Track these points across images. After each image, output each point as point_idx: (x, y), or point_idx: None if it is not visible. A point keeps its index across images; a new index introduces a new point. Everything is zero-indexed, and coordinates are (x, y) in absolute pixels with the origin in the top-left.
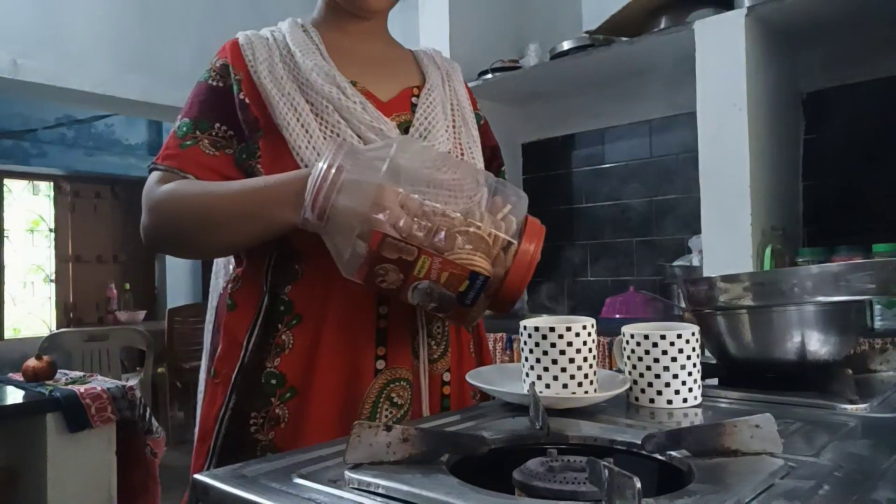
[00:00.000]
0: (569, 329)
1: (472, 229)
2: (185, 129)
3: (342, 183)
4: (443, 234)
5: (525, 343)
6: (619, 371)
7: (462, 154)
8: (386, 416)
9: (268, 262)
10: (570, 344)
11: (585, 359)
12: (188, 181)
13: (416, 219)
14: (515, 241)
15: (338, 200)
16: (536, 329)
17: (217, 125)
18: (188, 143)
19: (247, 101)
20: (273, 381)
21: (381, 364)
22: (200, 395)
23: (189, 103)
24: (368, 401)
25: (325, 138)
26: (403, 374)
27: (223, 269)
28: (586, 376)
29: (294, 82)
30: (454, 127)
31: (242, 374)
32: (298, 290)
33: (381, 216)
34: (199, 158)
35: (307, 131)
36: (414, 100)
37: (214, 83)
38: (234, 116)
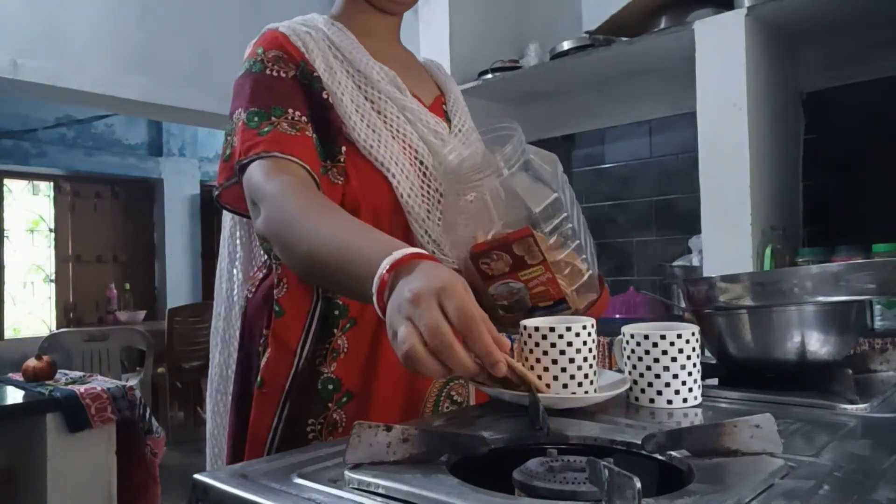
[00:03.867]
0: (569, 329)
1: (578, 265)
2: (256, 118)
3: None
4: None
5: (525, 343)
6: (619, 371)
7: None
8: (448, 406)
9: None
10: (570, 344)
11: (585, 359)
12: (295, 187)
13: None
14: (594, 295)
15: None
16: (536, 329)
17: (291, 111)
18: (266, 129)
19: (330, 100)
20: (330, 387)
21: None
22: (215, 403)
23: (249, 94)
24: (430, 400)
25: (392, 137)
26: None
27: (234, 275)
28: (586, 376)
29: (351, 80)
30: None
31: (296, 381)
32: None
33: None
34: (282, 138)
35: (374, 131)
36: (444, 107)
37: (275, 73)
38: (303, 106)
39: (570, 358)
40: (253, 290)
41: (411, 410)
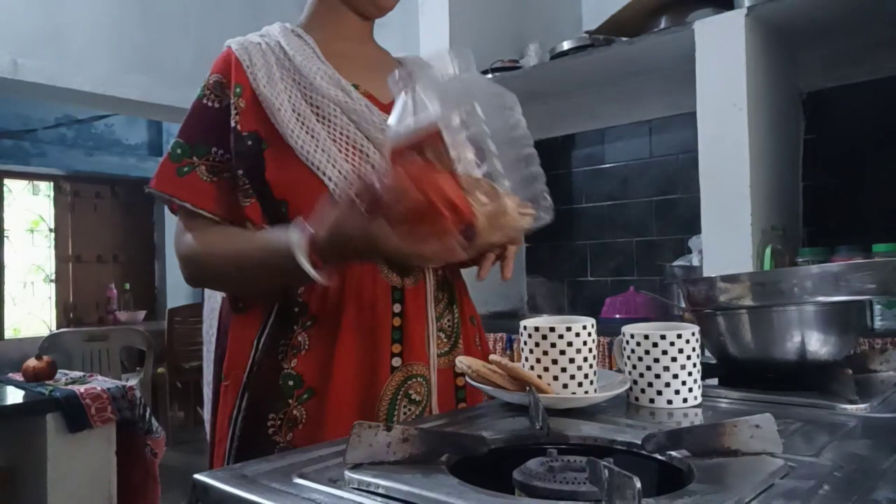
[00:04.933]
0: (569, 329)
1: (497, 189)
2: (180, 151)
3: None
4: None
5: (525, 343)
6: (619, 371)
7: None
8: (405, 414)
9: None
10: (570, 344)
11: (585, 359)
12: (208, 235)
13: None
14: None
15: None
16: (536, 329)
17: (214, 149)
18: (185, 169)
19: (239, 127)
20: (290, 383)
21: (396, 361)
22: (208, 403)
23: (186, 122)
24: (385, 398)
25: (333, 141)
26: (420, 370)
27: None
28: (586, 376)
29: (296, 87)
30: None
31: (255, 374)
32: (313, 290)
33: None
34: (197, 185)
35: (313, 136)
36: None
37: (210, 103)
38: (227, 141)
39: (571, 358)
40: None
41: (367, 409)
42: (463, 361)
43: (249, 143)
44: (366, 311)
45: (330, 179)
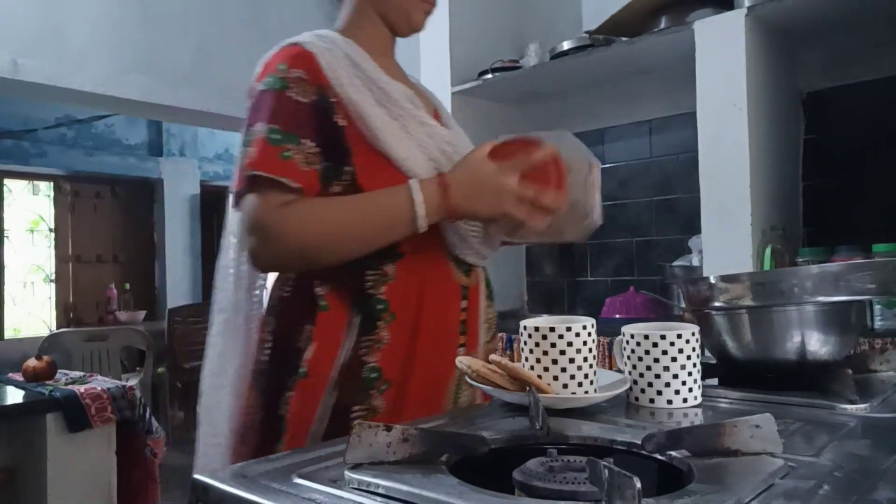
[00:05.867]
0: (569, 329)
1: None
2: (278, 137)
3: None
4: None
5: (525, 343)
6: (619, 371)
7: None
8: (463, 399)
9: (363, 264)
10: (570, 344)
11: (585, 359)
12: (306, 205)
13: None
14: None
15: None
16: (536, 329)
17: (305, 142)
18: (287, 154)
19: (342, 124)
20: (373, 375)
21: (461, 352)
22: (235, 398)
23: (273, 111)
24: (452, 386)
25: (420, 152)
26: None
27: (253, 276)
28: (586, 376)
29: (372, 97)
30: None
31: (344, 369)
32: (393, 289)
33: None
34: (298, 171)
35: (402, 145)
36: (440, 121)
37: (296, 97)
38: (320, 135)
39: (571, 358)
40: (288, 289)
41: (436, 397)
42: (463, 361)
43: (345, 144)
44: (440, 308)
45: (416, 176)
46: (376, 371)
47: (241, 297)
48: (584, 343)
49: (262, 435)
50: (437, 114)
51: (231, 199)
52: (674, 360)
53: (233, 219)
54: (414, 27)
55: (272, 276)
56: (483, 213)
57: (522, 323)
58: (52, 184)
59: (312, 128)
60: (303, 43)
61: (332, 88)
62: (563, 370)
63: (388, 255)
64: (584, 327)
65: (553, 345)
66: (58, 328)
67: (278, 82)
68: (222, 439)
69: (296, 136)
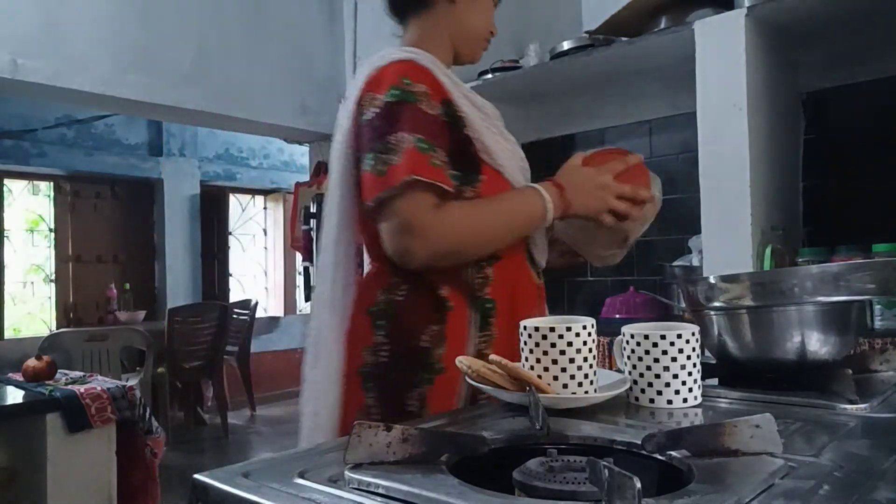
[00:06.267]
0: (569, 329)
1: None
2: (425, 146)
3: None
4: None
5: (525, 343)
6: (619, 371)
7: None
8: None
9: (471, 268)
10: (570, 344)
11: (585, 359)
12: (456, 207)
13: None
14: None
15: None
16: (536, 329)
17: (440, 152)
18: (437, 162)
19: (472, 135)
20: None
21: None
22: (334, 396)
23: (412, 122)
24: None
25: (514, 165)
26: None
27: (349, 278)
28: (586, 376)
29: (479, 114)
30: None
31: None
32: (494, 289)
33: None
34: (447, 178)
35: (507, 159)
36: None
37: (428, 110)
38: (449, 145)
39: (571, 358)
40: (402, 294)
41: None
42: (463, 362)
43: (475, 155)
44: (527, 307)
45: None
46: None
47: (337, 296)
48: (584, 343)
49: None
50: None
51: (369, 204)
52: (674, 360)
53: (330, 224)
54: (474, 59)
55: (369, 282)
56: (592, 208)
57: (522, 323)
58: (52, 184)
59: (444, 139)
60: (415, 59)
61: (454, 103)
62: (563, 370)
63: (488, 258)
64: (584, 327)
65: (553, 345)
66: (58, 328)
67: (410, 95)
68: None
69: (435, 146)
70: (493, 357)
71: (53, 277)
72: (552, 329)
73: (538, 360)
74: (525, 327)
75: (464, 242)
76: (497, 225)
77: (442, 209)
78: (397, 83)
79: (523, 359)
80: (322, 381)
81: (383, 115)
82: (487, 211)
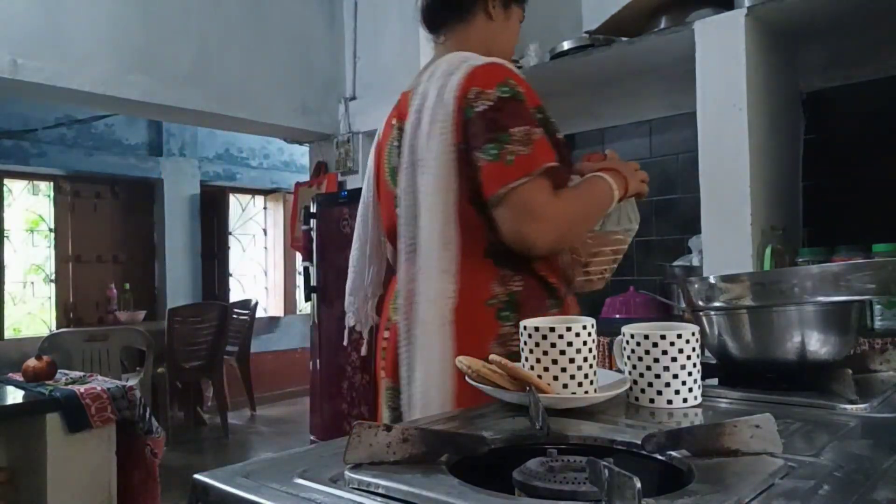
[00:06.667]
0: (569, 329)
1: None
2: (546, 139)
3: None
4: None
5: (525, 343)
6: (619, 371)
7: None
8: None
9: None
10: (570, 344)
11: (585, 359)
12: (565, 192)
13: None
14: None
15: None
16: (536, 329)
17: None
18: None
19: (560, 139)
20: None
21: None
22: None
23: (526, 116)
24: None
25: None
26: None
27: (444, 285)
28: (586, 376)
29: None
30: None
31: None
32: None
33: None
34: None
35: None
36: None
37: (530, 111)
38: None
39: (571, 358)
40: (518, 284)
41: None
42: (462, 361)
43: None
44: (540, 303)
45: None
46: None
47: (448, 291)
48: (584, 343)
49: None
50: None
51: (499, 192)
52: (674, 360)
53: (442, 221)
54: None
55: (471, 277)
56: (639, 188)
57: (522, 323)
58: (52, 184)
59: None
60: (506, 64)
61: (546, 109)
62: (564, 370)
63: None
64: (584, 327)
65: (553, 345)
66: (58, 328)
67: (518, 94)
68: None
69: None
70: (493, 357)
71: (53, 277)
72: (552, 329)
73: (538, 360)
74: (525, 327)
75: (575, 227)
76: (590, 211)
77: (558, 196)
78: (504, 81)
79: (523, 359)
80: (437, 376)
81: (499, 108)
82: (584, 197)
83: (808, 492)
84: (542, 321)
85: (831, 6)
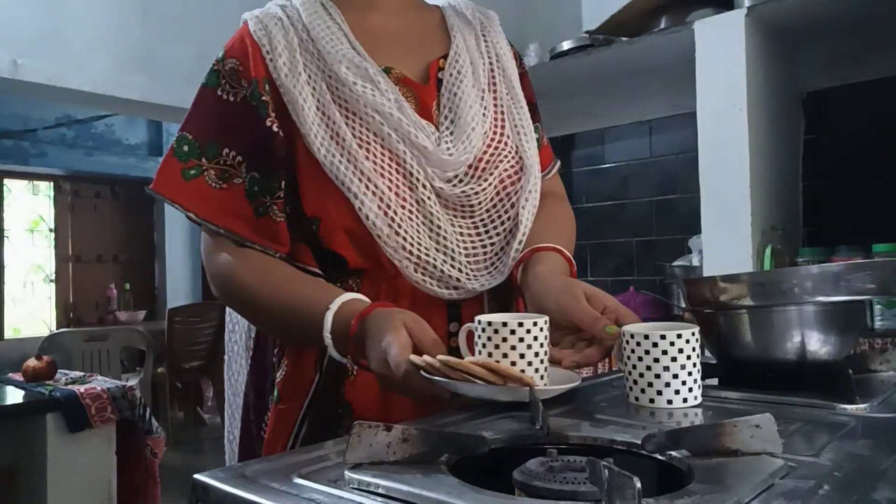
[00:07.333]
0: (520, 325)
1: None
2: (186, 149)
3: None
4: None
5: (479, 337)
6: (619, 371)
7: (503, 123)
8: None
9: None
10: (521, 340)
11: (537, 353)
12: (243, 266)
13: None
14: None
15: None
16: (489, 323)
17: (226, 151)
18: (192, 171)
19: (276, 128)
20: (340, 411)
21: None
22: (235, 410)
23: (194, 115)
24: None
25: (360, 146)
26: None
27: None
28: (536, 370)
29: (321, 78)
30: (493, 91)
31: (317, 399)
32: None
33: None
34: (205, 193)
35: (338, 142)
36: (440, 74)
37: (225, 95)
38: (247, 137)
39: (521, 353)
40: None
41: None
42: (417, 360)
43: (282, 151)
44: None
45: (356, 197)
46: (344, 407)
47: None
48: (535, 338)
49: (246, 448)
50: (437, 64)
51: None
52: (674, 360)
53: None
54: None
55: None
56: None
57: (477, 318)
58: (52, 184)
59: (241, 133)
60: (249, 19)
61: (262, 83)
62: (514, 364)
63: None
64: (535, 323)
65: (504, 339)
66: (58, 328)
67: (211, 78)
68: None
69: (214, 145)
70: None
71: (53, 277)
72: (504, 324)
73: (490, 355)
74: (479, 321)
75: (236, 308)
76: (268, 325)
77: (213, 255)
78: (216, 60)
79: (477, 352)
80: None
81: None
82: (263, 302)
83: (808, 492)
84: (496, 316)
85: (831, 6)
